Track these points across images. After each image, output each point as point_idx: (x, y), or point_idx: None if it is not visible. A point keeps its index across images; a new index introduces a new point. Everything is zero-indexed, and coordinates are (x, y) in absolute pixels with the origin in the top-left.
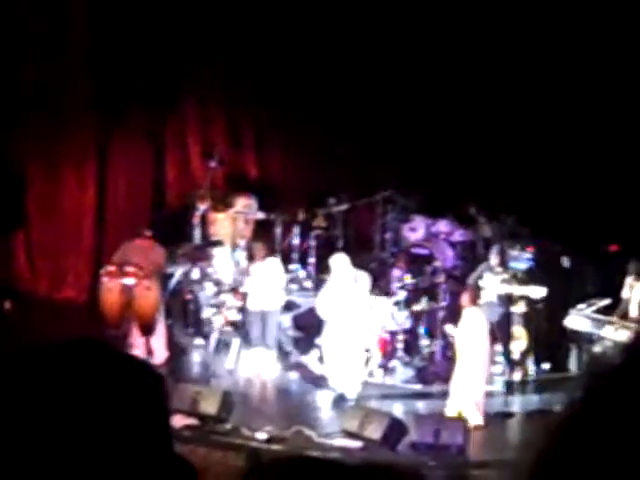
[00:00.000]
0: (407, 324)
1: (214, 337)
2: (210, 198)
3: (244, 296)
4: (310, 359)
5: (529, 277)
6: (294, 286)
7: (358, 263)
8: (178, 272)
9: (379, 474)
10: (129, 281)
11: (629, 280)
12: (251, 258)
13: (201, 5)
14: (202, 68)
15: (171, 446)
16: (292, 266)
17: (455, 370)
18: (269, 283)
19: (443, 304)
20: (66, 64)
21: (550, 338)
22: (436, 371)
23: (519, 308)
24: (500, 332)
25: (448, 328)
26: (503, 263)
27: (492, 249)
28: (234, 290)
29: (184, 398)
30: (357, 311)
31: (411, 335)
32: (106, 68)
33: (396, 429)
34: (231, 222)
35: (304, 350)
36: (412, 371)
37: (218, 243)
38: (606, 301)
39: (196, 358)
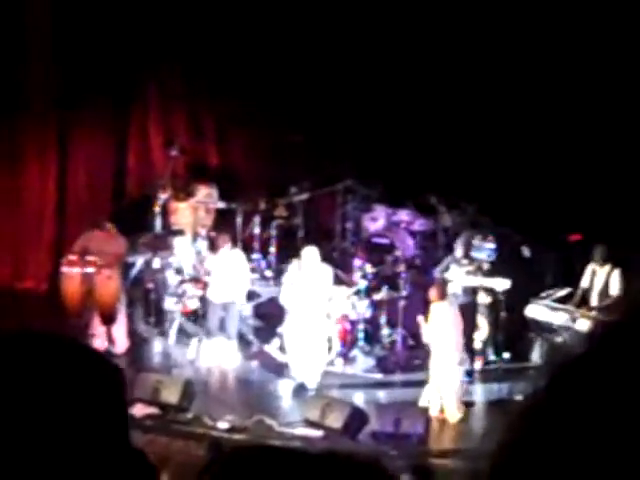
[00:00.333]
0: (368, 313)
1: (175, 326)
2: (171, 187)
3: (205, 285)
4: (271, 348)
5: (494, 269)
6: (255, 275)
7: (319, 253)
8: (139, 261)
9: (340, 463)
10: (90, 270)
11: (592, 266)
12: (212, 248)
13: None
14: (163, 59)
15: (128, 439)
16: (253, 255)
17: (430, 366)
18: (232, 274)
19: (404, 293)
20: (26, 55)
21: (511, 327)
22: (397, 360)
23: (483, 299)
24: (463, 322)
25: (419, 319)
26: (468, 255)
27: (457, 241)
28: (195, 279)
29: (145, 387)
30: (318, 301)
31: (372, 324)
32: (67, 59)
33: (357, 418)
34: (192, 211)
35: (265, 339)
36: (373, 360)
37: (179, 232)
38: (566, 290)
39: (157, 347)
